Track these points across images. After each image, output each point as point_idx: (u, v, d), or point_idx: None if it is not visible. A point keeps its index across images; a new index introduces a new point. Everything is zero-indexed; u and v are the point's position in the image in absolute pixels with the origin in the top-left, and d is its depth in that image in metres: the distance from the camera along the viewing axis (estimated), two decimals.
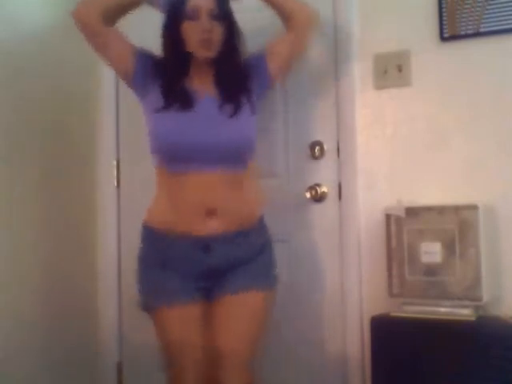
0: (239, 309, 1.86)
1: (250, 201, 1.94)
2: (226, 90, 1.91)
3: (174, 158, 1.86)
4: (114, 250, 2.69)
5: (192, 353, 1.85)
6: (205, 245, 1.85)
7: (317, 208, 2.37)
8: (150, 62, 1.95)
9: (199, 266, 1.87)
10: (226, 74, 1.93)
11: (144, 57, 1.95)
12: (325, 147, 2.37)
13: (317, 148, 2.37)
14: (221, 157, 1.85)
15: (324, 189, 2.36)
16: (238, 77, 1.95)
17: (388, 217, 2.12)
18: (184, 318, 1.85)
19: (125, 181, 2.72)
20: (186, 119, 1.86)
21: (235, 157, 1.88)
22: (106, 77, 2.70)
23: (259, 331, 1.90)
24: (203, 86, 1.92)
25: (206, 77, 1.94)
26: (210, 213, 1.84)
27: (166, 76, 1.92)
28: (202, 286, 1.88)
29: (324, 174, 2.36)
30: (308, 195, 2.36)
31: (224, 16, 1.91)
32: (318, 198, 2.36)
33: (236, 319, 1.86)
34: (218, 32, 1.89)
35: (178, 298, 1.85)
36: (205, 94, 1.91)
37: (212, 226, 1.84)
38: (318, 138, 2.38)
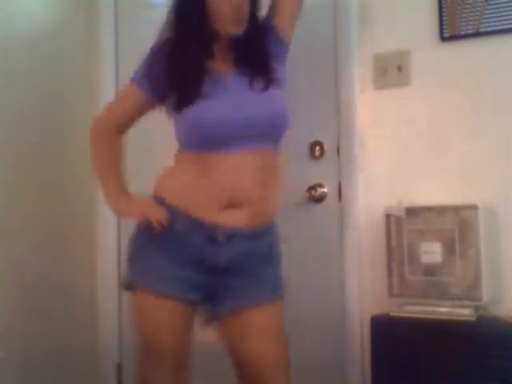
0: (268, 321, 1.78)
1: (274, 194, 1.81)
2: (251, 67, 1.77)
3: (210, 138, 1.69)
4: (114, 250, 2.69)
5: (169, 352, 1.79)
6: (216, 236, 1.69)
7: (317, 208, 2.37)
8: (157, 64, 1.77)
9: (204, 258, 1.70)
10: (250, 53, 1.79)
11: (148, 71, 1.79)
12: (325, 147, 2.37)
13: (317, 148, 2.37)
14: (256, 133, 1.70)
15: (324, 189, 2.36)
16: (262, 55, 1.81)
17: (388, 217, 2.12)
18: (171, 312, 1.73)
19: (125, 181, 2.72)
20: (220, 99, 1.70)
21: (270, 132, 1.74)
22: (106, 77, 2.70)
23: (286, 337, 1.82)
24: (226, 66, 1.79)
25: (228, 55, 1.81)
26: (233, 204, 1.69)
27: (188, 57, 1.73)
28: (204, 284, 1.72)
29: (324, 174, 2.36)
30: (308, 195, 2.36)
31: None
32: (318, 198, 2.36)
33: (267, 332, 1.77)
34: (247, 7, 1.75)
35: (171, 288, 1.70)
36: (231, 74, 1.77)
37: (232, 219, 1.69)
38: (318, 137, 2.38)
